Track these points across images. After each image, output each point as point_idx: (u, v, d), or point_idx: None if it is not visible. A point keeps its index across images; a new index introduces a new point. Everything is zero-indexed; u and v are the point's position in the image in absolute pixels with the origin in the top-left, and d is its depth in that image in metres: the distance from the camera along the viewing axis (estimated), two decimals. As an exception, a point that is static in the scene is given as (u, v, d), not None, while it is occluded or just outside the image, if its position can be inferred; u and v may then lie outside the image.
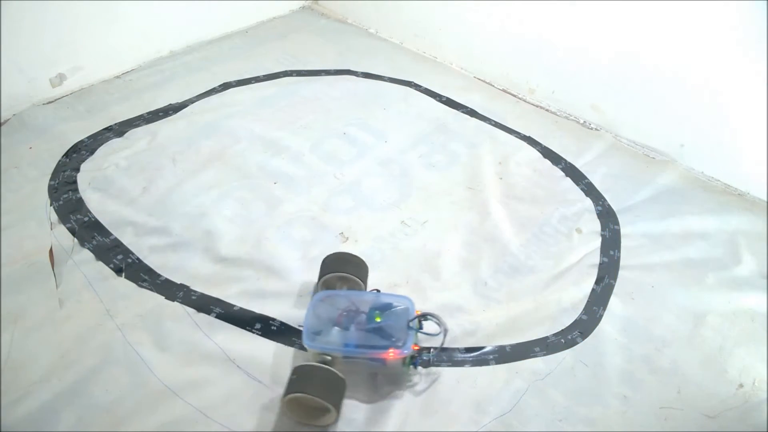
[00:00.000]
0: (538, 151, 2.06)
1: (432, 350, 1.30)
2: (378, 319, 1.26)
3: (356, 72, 2.44)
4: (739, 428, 1.27)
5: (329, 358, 1.23)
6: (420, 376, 1.32)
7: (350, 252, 1.47)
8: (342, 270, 1.40)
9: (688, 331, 1.47)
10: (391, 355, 1.21)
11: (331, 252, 1.46)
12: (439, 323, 1.26)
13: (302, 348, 1.36)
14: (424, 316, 1.27)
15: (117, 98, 2.17)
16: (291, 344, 1.37)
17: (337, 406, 1.17)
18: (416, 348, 1.24)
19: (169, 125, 2.04)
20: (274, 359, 1.34)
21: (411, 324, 1.25)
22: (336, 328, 1.26)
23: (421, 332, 1.28)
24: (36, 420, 1.19)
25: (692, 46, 1.83)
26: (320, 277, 1.43)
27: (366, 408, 1.25)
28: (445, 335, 1.25)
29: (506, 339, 1.42)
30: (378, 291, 1.37)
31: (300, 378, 1.17)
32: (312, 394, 1.13)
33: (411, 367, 1.28)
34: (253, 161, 1.91)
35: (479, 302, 1.51)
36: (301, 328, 1.40)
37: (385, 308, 1.29)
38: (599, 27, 2.02)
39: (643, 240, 1.72)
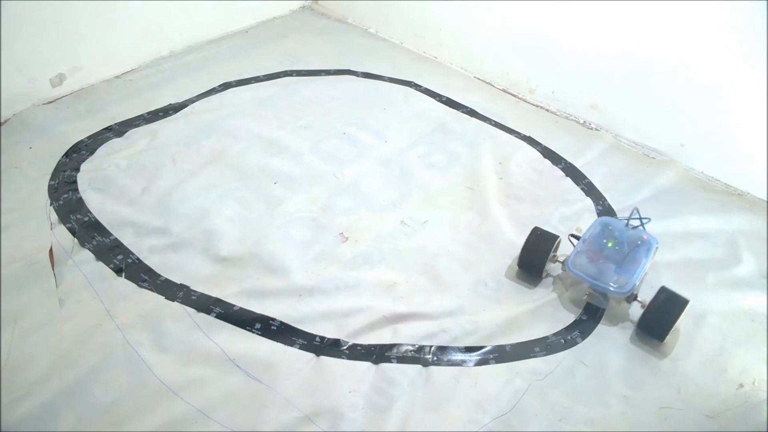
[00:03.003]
0: (538, 151, 2.06)
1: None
2: (609, 245, 1.51)
3: (356, 72, 2.44)
4: (739, 428, 1.27)
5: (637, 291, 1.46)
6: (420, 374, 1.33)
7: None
8: (547, 248, 1.53)
9: (688, 331, 1.47)
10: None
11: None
12: (638, 213, 1.53)
13: (307, 350, 1.36)
14: (629, 218, 1.54)
15: (117, 98, 2.17)
16: (291, 344, 1.37)
17: None
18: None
19: (169, 125, 2.04)
20: (274, 359, 1.34)
21: (629, 225, 1.54)
22: (608, 273, 1.45)
23: (638, 224, 1.54)
24: (36, 420, 1.19)
25: (692, 46, 1.83)
26: (542, 268, 1.54)
27: (366, 407, 1.25)
28: (641, 218, 1.53)
29: (506, 339, 1.42)
30: (576, 237, 1.57)
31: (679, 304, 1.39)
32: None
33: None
34: (253, 161, 1.91)
35: (479, 302, 1.51)
36: (298, 327, 1.41)
37: (605, 235, 1.53)
38: (599, 27, 2.02)
39: (643, 240, 1.72)
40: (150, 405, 1.23)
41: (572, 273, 1.47)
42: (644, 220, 1.54)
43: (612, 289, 1.42)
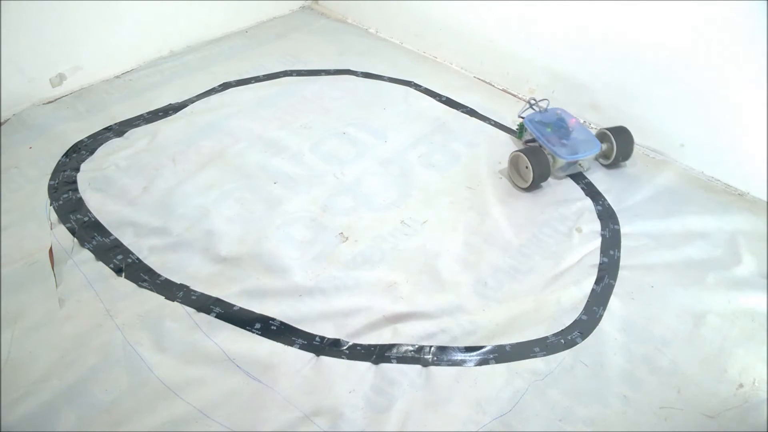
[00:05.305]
0: (538, 151, 2.06)
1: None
2: (549, 129, 1.89)
3: (356, 72, 2.44)
4: (739, 428, 1.27)
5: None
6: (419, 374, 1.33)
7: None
8: (545, 160, 1.81)
9: (688, 331, 1.47)
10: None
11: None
12: (534, 100, 2.05)
13: (307, 350, 1.36)
14: (528, 107, 2.06)
15: (117, 98, 2.17)
16: (291, 344, 1.37)
17: None
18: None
19: (169, 125, 2.04)
20: (274, 359, 1.34)
21: (541, 110, 2.00)
22: (579, 144, 1.86)
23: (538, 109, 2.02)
24: (36, 420, 1.19)
25: (693, 45, 1.83)
26: (549, 173, 1.84)
27: (366, 408, 1.25)
28: (534, 106, 2.04)
29: (506, 339, 1.42)
30: (533, 141, 1.94)
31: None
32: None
33: None
34: (253, 161, 1.91)
35: (479, 302, 1.51)
36: (300, 328, 1.41)
37: (542, 125, 1.91)
38: (599, 27, 2.02)
39: (643, 240, 1.72)
40: (150, 405, 1.23)
41: (572, 158, 1.84)
42: (543, 101, 2.00)
43: (595, 150, 1.85)
